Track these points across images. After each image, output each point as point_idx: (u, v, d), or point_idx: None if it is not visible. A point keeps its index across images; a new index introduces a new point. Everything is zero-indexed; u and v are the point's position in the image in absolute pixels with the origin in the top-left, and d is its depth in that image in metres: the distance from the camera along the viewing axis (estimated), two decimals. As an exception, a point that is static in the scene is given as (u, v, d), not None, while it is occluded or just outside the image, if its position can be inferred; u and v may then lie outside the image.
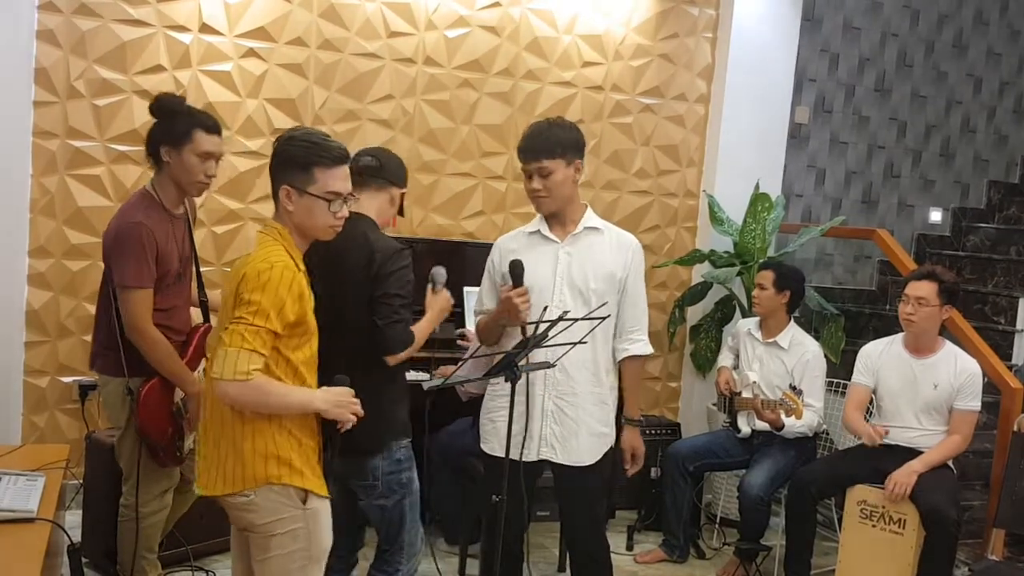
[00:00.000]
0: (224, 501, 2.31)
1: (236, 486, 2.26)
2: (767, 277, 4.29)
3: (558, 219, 3.02)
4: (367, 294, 2.68)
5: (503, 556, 2.98)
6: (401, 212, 2.93)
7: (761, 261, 4.75)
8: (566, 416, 2.98)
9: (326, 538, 2.40)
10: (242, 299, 2.21)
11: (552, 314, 2.82)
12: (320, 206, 2.32)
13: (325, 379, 2.41)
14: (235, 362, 2.16)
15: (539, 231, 3.03)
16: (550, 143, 2.91)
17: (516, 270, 2.86)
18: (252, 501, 2.26)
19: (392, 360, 2.69)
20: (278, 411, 2.26)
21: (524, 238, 3.06)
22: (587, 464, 3.01)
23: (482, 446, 3.06)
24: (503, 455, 2.77)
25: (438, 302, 2.91)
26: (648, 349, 3.11)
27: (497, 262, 3.06)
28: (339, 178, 2.34)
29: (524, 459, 2.92)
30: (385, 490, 2.76)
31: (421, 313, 2.87)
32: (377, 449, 2.73)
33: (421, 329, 2.78)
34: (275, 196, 2.36)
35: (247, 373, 2.16)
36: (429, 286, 2.93)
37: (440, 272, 2.93)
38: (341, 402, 2.32)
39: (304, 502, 2.31)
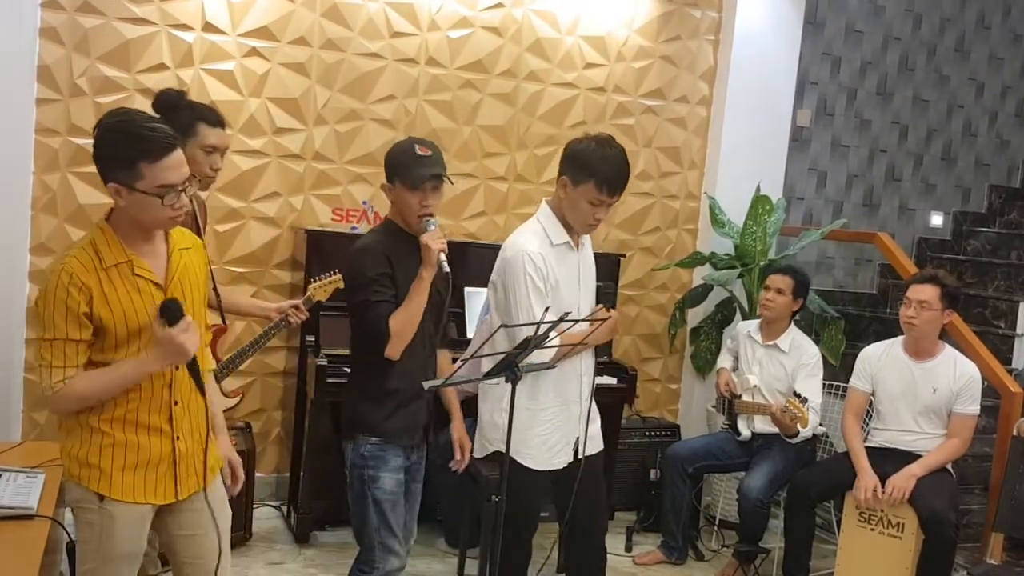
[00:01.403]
0: None
1: (64, 476, 2.31)
2: (786, 283, 4.25)
3: (574, 232, 3.08)
4: (347, 295, 2.86)
5: (517, 556, 3.09)
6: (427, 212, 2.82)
7: (773, 264, 4.74)
8: (593, 412, 3.18)
9: (124, 543, 2.25)
10: (36, 313, 2.16)
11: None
12: (152, 202, 2.11)
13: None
14: (41, 380, 2.14)
15: (568, 243, 3.04)
16: (629, 177, 2.99)
17: (611, 293, 3.09)
18: (66, 485, 2.30)
19: (388, 353, 2.75)
20: (107, 397, 2.17)
21: (552, 249, 3.00)
22: (602, 448, 3.25)
23: (524, 462, 2.99)
24: (550, 467, 3.00)
25: (423, 251, 2.77)
26: None
27: (544, 268, 2.95)
28: (168, 169, 2.10)
29: (569, 463, 3.11)
30: (351, 480, 2.86)
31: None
32: (344, 438, 2.87)
33: (410, 304, 2.77)
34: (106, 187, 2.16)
35: (52, 387, 2.12)
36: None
37: (429, 220, 2.81)
38: (167, 351, 2.12)
39: (100, 500, 2.23)
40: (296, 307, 3.34)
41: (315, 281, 3.35)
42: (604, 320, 2.99)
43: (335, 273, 3.30)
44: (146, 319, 2.18)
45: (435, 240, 2.77)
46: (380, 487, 2.81)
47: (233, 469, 2.53)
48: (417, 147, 2.82)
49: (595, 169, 2.90)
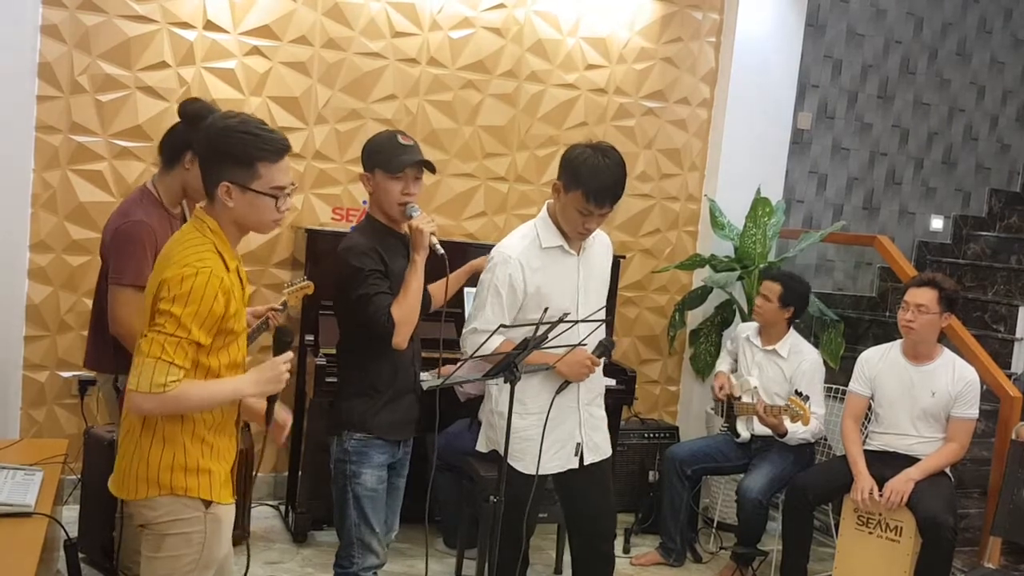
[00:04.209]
0: (129, 503, 2.22)
1: (141, 493, 2.16)
2: (773, 290, 4.24)
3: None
4: (339, 296, 2.84)
5: (511, 556, 3.06)
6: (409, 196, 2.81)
7: (768, 270, 4.72)
8: (596, 418, 3.17)
9: (222, 547, 2.28)
10: (160, 308, 2.07)
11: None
12: (265, 203, 2.17)
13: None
14: (152, 374, 2.04)
15: (561, 247, 3.02)
16: (623, 189, 2.96)
17: (607, 346, 3.04)
18: (155, 500, 2.16)
19: (395, 343, 2.74)
20: (203, 410, 2.17)
21: (541, 253, 3.00)
22: (610, 454, 3.24)
23: (513, 464, 2.99)
24: (539, 472, 2.96)
25: (414, 236, 2.78)
26: None
27: (519, 278, 2.95)
28: (283, 171, 2.19)
29: (568, 468, 3.11)
30: (334, 475, 2.87)
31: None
32: (330, 434, 2.88)
33: (408, 290, 2.76)
34: (208, 188, 2.19)
35: (163, 386, 2.04)
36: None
37: (412, 206, 2.81)
38: (268, 378, 2.22)
39: (207, 507, 2.20)
40: (273, 310, 3.33)
41: (289, 286, 3.37)
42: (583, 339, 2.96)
43: (306, 279, 3.34)
44: (240, 324, 2.24)
45: (425, 223, 2.77)
46: (361, 483, 2.82)
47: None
48: (399, 136, 2.84)
49: (584, 179, 2.87)
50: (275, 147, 2.17)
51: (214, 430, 2.22)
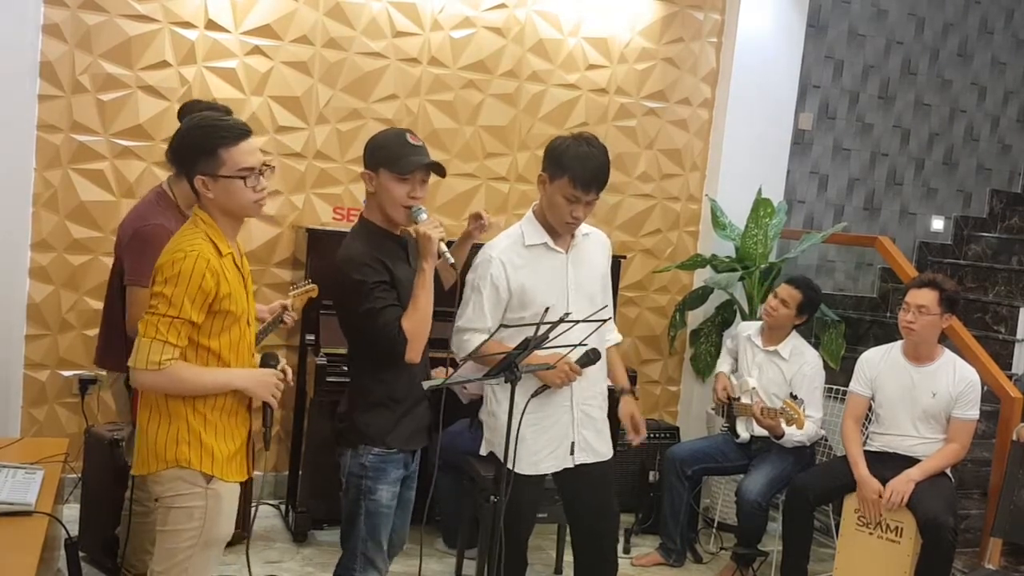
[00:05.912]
0: (143, 481, 2.39)
1: (150, 468, 2.31)
2: (794, 297, 4.22)
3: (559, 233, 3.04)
4: (343, 309, 2.73)
5: (515, 559, 3.07)
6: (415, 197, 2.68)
7: (773, 267, 4.72)
8: (593, 419, 3.14)
9: (225, 524, 2.38)
10: (154, 291, 2.26)
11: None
12: (236, 185, 2.29)
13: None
14: (147, 352, 2.22)
15: (545, 244, 3.02)
16: (608, 177, 2.96)
17: (592, 357, 2.95)
18: (161, 475, 2.30)
19: (408, 358, 2.63)
20: (197, 393, 2.30)
21: (524, 251, 3.00)
22: (609, 457, 3.20)
23: (516, 470, 2.91)
24: (535, 471, 2.99)
25: (421, 243, 2.64)
26: (620, 337, 3.37)
27: (501, 276, 2.95)
28: (245, 153, 2.29)
29: (563, 468, 3.09)
30: (347, 487, 2.76)
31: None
32: (343, 446, 2.76)
33: (418, 303, 2.64)
34: (192, 188, 2.32)
35: (159, 363, 2.22)
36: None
37: (418, 208, 2.67)
38: (264, 382, 2.38)
39: (208, 481, 2.31)
40: (285, 308, 3.32)
41: (293, 289, 3.36)
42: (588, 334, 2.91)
43: (310, 282, 3.31)
44: (246, 307, 2.38)
45: (433, 229, 2.62)
46: (376, 499, 2.71)
47: None
48: (408, 135, 2.69)
49: (569, 165, 2.89)
50: (232, 132, 2.30)
51: (220, 411, 2.34)
